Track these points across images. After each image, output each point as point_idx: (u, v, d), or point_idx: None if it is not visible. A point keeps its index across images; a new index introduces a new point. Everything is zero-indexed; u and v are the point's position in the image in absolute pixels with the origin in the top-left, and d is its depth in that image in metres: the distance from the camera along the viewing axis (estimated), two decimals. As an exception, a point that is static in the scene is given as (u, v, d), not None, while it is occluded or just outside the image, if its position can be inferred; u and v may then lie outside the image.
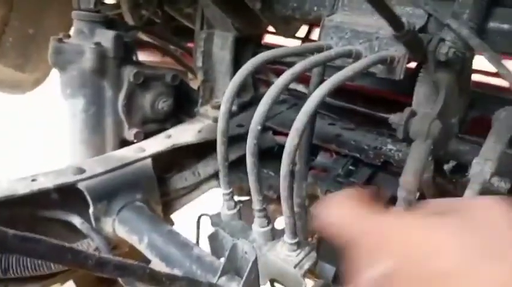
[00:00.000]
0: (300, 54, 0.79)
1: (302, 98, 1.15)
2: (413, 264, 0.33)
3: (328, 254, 0.91)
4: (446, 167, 0.85)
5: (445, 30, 0.71)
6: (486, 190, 0.76)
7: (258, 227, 0.70)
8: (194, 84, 1.45)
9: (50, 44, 0.99)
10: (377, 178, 0.95)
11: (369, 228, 0.37)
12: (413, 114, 0.63)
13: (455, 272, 0.32)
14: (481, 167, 0.58)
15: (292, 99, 1.24)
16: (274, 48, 0.77)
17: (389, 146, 0.96)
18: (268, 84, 1.22)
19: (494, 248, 0.32)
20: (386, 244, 0.35)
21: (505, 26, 0.71)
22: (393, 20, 0.58)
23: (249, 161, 0.63)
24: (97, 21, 1.01)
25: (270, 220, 0.72)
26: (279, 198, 0.66)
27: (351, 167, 0.98)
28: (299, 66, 0.67)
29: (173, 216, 1.21)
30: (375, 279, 0.34)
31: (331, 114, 1.13)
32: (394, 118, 0.63)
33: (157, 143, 1.05)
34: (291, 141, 0.59)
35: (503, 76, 0.58)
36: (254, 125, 0.62)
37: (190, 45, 1.38)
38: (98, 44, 0.98)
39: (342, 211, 0.41)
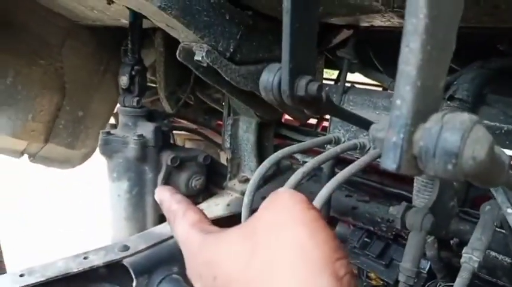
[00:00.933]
0: (313, 147, 0.91)
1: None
2: (205, 281, 0.38)
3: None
4: (452, 242, 0.93)
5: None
6: (491, 265, 0.84)
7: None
8: (222, 156, 1.60)
9: (99, 136, 1.16)
10: (390, 250, 1.03)
11: (195, 252, 0.42)
12: (408, 208, 0.73)
13: (227, 281, 0.35)
14: (470, 257, 0.67)
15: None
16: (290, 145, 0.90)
17: (400, 220, 1.05)
18: (291, 157, 1.35)
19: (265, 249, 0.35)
20: (196, 265, 0.41)
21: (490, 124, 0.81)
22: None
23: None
24: (139, 115, 1.18)
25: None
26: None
27: (366, 239, 1.07)
28: (310, 164, 0.80)
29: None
30: None
31: (348, 186, 1.23)
32: (393, 211, 0.74)
33: (191, 218, 1.17)
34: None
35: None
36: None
37: (219, 122, 1.54)
38: (140, 135, 1.14)
39: (179, 229, 0.46)
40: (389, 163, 0.31)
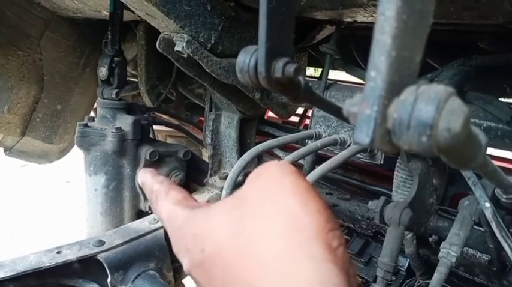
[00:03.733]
0: (294, 142, 0.90)
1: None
2: (193, 254, 0.36)
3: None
4: (431, 239, 0.93)
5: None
6: (469, 262, 0.84)
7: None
8: (204, 152, 1.58)
9: (76, 128, 1.13)
10: (370, 248, 1.02)
11: (181, 226, 0.40)
12: (387, 202, 0.72)
13: (216, 252, 0.34)
14: (448, 251, 0.66)
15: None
16: (271, 139, 0.88)
17: (380, 218, 1.05)
18: (272, 154, 1.34)
19: (257, 218, 0.33)
20: (183, 239, 0.39)
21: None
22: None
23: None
24: (118, 108, 1.15)
25: None
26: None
27: (346, 237, 1.06)
28: (290, 157, 0.78)
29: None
30: (187, 269, 0.38)
31: (329, 184, 1.22)
32: (372, 205, 0.73)
33: (170, 214, 1.15)
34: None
35: (463, 172, 0.68)
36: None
37: (201, 119, 1.52)
38: (118, 128, 1.11)
39: (163, 208, 0.44)
40: (362, 137, 0.30)
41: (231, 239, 0.34)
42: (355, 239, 1.03)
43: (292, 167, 0.37)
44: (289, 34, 0.49)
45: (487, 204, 0.62)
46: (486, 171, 0.41)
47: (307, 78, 1.35)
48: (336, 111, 0.64)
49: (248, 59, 0.49)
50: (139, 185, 1.17)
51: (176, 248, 0.40)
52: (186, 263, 0.38)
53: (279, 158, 1.25)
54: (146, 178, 0.51)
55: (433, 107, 0.27)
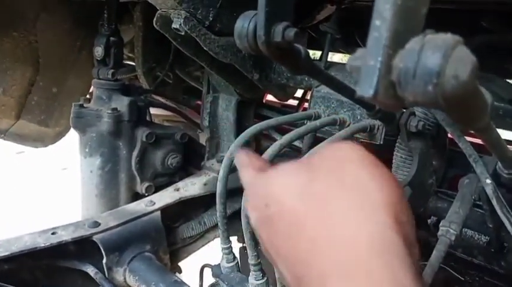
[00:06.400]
0: (292, 122, 0.89)
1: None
2: (259, 210, 0.38)
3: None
4: (429, 221, 0.92)
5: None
6: (468, 243, 0.83)
7: (253, 280, 0.78)
8: (202, 137, 1.56)
9: (72, 109, 1.11)
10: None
11: (252, 185, 0.43)
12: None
13: (280, 209, 0.36)
14: (447, 229, 0.65)
15: (293, 154, 1.34)
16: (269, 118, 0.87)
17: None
18: (270, 138, 1.32)
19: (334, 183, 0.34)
20: (251, 197, 0.41)
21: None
22: (364, 102, 0.67)
23: (243, 221, 0.71)
24: (114, 89, 1.14)
25: (264, 273, 0.79)
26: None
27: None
28: (288, 136, 0.77)
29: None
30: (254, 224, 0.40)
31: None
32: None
33: (166, 196, 1.14)
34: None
35: (464, 150, 0.67)
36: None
37: (198, 102, 1.50)
38: (114, 109, 1.09)
39: (243, 171, 0.46)
40: (366, 89, 0.29)
41: (297, 199, 0.35)
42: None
43: (361, 145, 0.38)
44: (289, -2, 0.48)
45: (488, 181, 0.61)
46: (490, 139, 0.40)
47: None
48: (336, 85, 0.63)
49: (247, 23, 0.48)
50: (135, 167, 1.16)
51: (247, 207, 0.42)
52: (253, 219, 0.40)
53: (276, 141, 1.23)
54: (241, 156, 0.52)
55: (440, 54, 0.26)
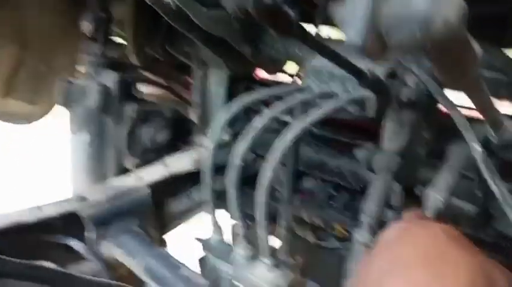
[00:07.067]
0: (283, 95, 0.88)
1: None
2: None
3: (316, 274, 0.99)
4: (417, 192, 0.92)
5: (408, 75, 0.79)
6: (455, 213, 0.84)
7: (240, 250, 0.78)
8: (192, 114, 1.55)
9: (58, 85, 1.09)
10: (356, 202, 1.02)
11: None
12: (376, 149, 0.71)
13: None
14: (434, 197, 0.65)
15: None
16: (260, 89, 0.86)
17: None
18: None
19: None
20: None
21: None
22: (356, 72, 0.66)
23: (231, 194, 0.71)
24: (102, 65, 1.12)
25: (251, 243, 0.80)
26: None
27: (333, 193, 1.06)
28: (278, 109, 0.76)
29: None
30: None
31: (316, 141, 1.21)
32: (359, 153, 0.72)
33: (155, 172, 1.13)
34: (264, 172, 0.67)
35: (453, 115, 0.66)
36: (234, 160, 0.71)
37: (189, 79, 1.48)
38: (102, 85, 1.08)
39: None
40: (354, 36, 0.28)
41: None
42: (343, 195, 1.03)
43: (457, 231, 0.47)
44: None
45: (478, 148, 0.61)
46: (479, 95, 0.40)
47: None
48: (329, 54, 0.62)
49: (236, -18, 0.47)
50: (124, 143, 1.15)
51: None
52: None
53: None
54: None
55: (428, -4, 0.25)
